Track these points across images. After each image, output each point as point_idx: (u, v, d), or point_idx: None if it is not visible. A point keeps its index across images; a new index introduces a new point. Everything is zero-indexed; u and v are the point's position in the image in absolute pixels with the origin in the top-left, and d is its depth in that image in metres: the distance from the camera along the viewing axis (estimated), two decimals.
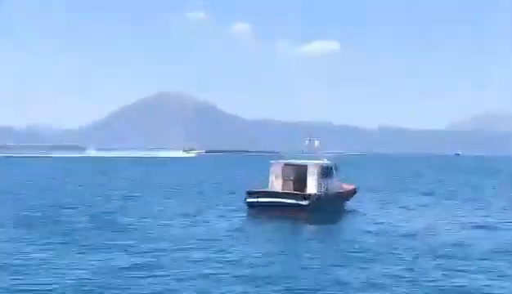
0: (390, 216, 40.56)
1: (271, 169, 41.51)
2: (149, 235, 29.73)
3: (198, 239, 28.74)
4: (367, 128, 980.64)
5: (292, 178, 41.39)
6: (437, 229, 34.37)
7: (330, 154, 56.54)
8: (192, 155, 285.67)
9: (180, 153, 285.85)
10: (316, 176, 40.33)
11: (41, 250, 24.80)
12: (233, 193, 57.31)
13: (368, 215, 40.82)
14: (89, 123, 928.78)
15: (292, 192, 39.52)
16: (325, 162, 43.10)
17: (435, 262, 24.08)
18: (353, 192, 46.83)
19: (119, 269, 21.36)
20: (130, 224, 33.32)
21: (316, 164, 40.95)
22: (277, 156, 46.48)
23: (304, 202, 38.05)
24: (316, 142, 44.34)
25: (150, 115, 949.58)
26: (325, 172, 41.78)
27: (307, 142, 43.94)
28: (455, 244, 28.84)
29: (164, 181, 78.55)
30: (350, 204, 45.68)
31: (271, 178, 41.39)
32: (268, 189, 40.48)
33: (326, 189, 41.33)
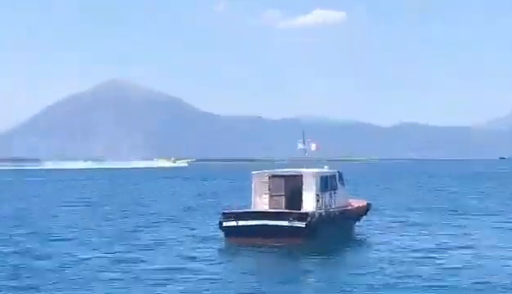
0: (417, 243, 37.76)
1: (254, 182, 38.72)
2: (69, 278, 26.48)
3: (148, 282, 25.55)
4: (381, 126, 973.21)
5: (282, 193, 38.70)
6: (487, 260, 30.83)
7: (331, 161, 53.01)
8: (184, 165, 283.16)
9: (167, 163, 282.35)
10: (314, 189, 37.85)
11: None
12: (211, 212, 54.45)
13: (385, 241, 38.42)
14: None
15: (283, 211, 36.99)
16: (327, 170, 40.39)
17: None
18: (365, 210, 44.55)
19: None
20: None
21: (315, 173, 38.48)
22: (257, 164, 42.75)
23: (300, 224, 35.58)
24: (314, 145, 41.31)
25: (86, 113, 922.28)
26: (327, 184, 39.40)
27: (300, 146, 41.03)
28: None
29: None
30: (361, 226, 43.68)
31: (254, 194, 38.68)
32: (251, 209, 37.83)
33: (329, 206, 38.93)
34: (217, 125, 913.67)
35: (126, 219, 51.81)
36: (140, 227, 45.74)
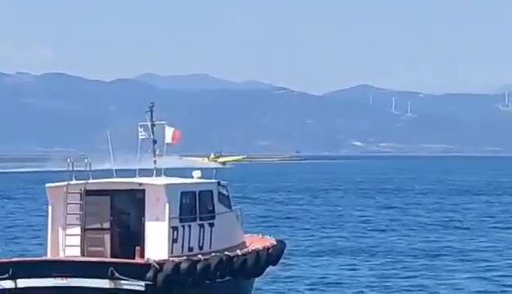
0: None
1: (50, 203, 28.59)
2: None
3: None
4: (315, 95, 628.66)
5: (106, 224, 28.59)
6: None
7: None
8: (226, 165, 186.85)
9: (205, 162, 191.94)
10: (168, 217, 27.77)
11: None
12: None
13: None
14: None
15: (103, 260, 27.28)
16: (197, 180, 29.83)
17: None
18: (274, 255, 32.16)
19: None
20: None
21: (170, 186, 28.41)
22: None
23: (136, 286, 26.41)
24: (173, 132, 29.69)
25: None
26: (195, 206, 29.21)
27: (142, 133, 29.32)
28: None
29: None
30: (263, 282, 32.97)
31: (52, 226, 28.39)
32: (43, 257, 28.36)
33: (198, 250, 28.89)
34: None
35: None
36: None
